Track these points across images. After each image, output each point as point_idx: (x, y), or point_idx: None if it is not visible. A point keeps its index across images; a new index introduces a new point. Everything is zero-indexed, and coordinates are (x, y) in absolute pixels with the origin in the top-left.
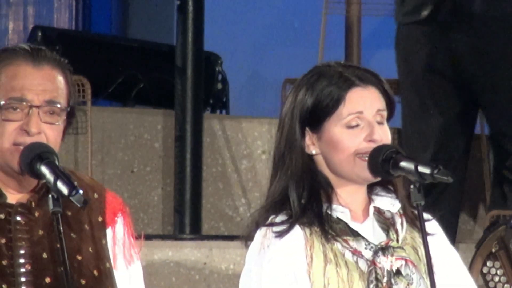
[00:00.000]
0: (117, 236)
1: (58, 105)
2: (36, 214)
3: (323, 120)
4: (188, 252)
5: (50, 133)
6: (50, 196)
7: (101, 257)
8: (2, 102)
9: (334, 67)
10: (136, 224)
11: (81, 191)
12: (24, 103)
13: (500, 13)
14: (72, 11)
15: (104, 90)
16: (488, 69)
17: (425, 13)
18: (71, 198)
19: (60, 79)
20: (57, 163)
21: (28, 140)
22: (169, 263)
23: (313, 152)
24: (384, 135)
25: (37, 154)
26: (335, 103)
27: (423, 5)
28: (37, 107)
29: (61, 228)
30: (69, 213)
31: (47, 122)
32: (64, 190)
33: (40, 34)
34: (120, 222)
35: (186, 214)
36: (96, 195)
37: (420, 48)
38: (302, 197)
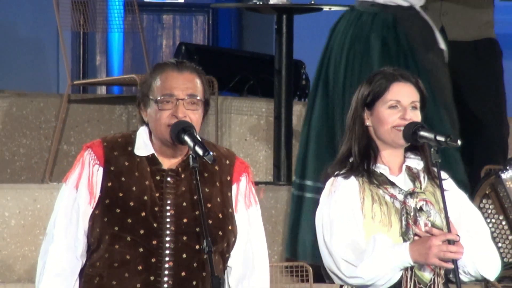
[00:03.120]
0: (240, 189)
1: (197, 97)
2: (182, 176)
3: (375, 102)
4: (283, 193)
5: (192, 116)
6: (190, 155)
7: (225, 204)
8: (159, 98)
9: (388, 69)
10: None
11: (212, 153)
12: (173, 97)
13: None
14: (205, 32)
15: (227, 85)
16: None
17: None
18: (204, 157)
19: (197, 80)
20: (195, 134)
21: None
22: (270, 200)
23: (367, 124)
24: (415, 117)
25: (182, 128)
26: (383, 90)
27: None
28: (182, 99)
29: (198, 178)
30: (206, 175)
31: (190, 109)
32: (200, 151)
33: (183, 48)
34: (243, 180)
35: (281, 168)
36: (227, 162)
37: None
38: (360, 153)
